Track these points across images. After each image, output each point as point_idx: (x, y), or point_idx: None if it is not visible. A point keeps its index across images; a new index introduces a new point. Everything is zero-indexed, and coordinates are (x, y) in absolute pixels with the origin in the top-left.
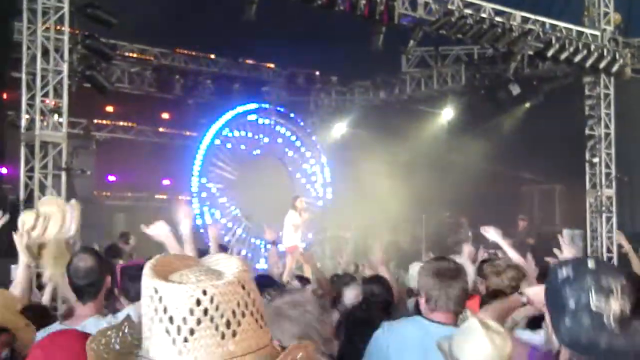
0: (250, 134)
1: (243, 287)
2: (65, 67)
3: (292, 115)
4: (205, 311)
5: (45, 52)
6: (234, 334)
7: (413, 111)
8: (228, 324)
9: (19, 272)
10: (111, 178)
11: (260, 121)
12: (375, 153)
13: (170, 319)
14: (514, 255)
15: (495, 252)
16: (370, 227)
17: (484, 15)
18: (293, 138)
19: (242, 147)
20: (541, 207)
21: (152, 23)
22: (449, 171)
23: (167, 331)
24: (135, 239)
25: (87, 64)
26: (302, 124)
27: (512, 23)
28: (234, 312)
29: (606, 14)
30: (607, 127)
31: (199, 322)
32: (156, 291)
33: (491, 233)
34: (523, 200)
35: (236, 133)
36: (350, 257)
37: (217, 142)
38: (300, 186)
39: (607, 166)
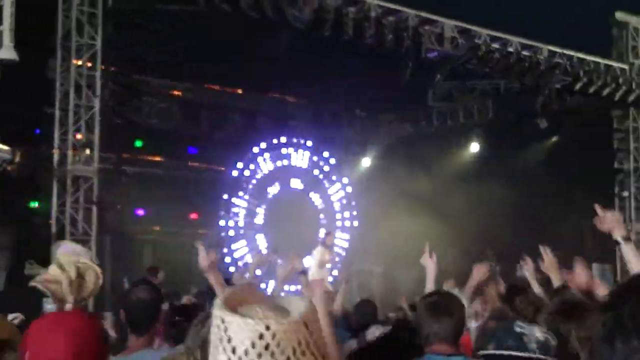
0: (276, 168)
1: (307, 327)
2: (97, 103)
3: (318, 148)
4: (267, 346)
5: (78, 88)
6: None
7: (440, 144)
8: None
9: None
10: (139, 212)
11: (287, 155)
12: (402, 186)
13: (233, 350)
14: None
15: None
16: (397, 260)
17: (510, 49)
18: (319, 171)
19: (269, 180)
20: (569, 241)
21: (179, 59)
22: (475, 204)
23: None
24: (163, 273)
25: (118, 100)
26: (328, 156)
27: (540, 57)
28: (294, 350)
29: (634, 47)
30: (636, 160)
31: (259, 355)
32: (222, 321)
33: (528, 266)
34: (550, 234)
35: (263, 167)
36: (380, 291)
37: (244, 176)
38: (327, 219)
39: (637, 200)
